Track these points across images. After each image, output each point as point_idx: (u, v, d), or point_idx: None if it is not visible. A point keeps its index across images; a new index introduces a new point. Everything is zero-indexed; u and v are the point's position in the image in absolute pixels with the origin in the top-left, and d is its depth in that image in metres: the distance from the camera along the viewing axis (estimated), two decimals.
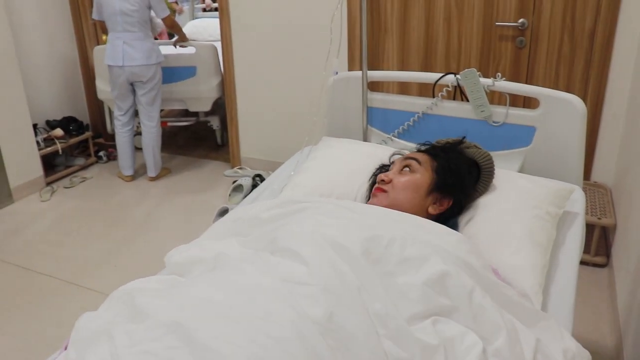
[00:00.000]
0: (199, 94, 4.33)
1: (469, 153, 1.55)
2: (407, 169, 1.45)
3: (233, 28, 3.74)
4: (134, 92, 3.89)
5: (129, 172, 4.08)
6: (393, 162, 1.54)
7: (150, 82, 3.81)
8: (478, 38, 3.09)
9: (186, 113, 4.83)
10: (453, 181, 1.44)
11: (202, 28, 5.92)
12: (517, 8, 2.95)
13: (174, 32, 4.12)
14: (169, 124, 4.77)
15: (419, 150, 1.58)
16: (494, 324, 1.04)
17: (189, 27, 6.06)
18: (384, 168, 1.61)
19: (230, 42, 3.79)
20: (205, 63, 4.28)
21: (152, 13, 3.78)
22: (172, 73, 4.22)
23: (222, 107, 4.69)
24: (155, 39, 4.30)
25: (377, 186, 1.45)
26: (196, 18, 6.57)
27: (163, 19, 3.83)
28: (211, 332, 0.89)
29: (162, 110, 4.98)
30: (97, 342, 0.97)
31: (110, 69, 3.74)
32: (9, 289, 2.72)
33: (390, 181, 1.43)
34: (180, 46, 4.22)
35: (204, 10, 6.96)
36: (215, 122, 4.72)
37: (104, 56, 3.77)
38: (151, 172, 4.08)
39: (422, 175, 1.43)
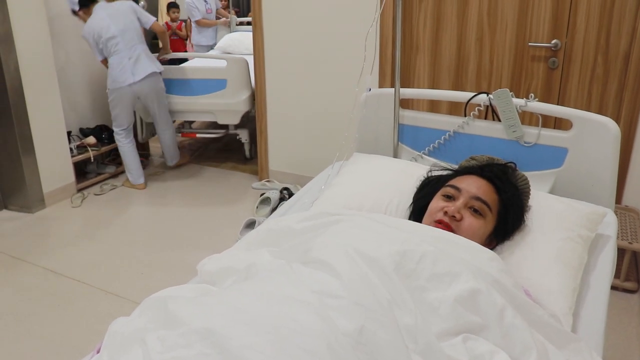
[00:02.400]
0: (229, 107, 4.38)
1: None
2: (478, 212, 1.38)
3: (266, 41, 3.79)
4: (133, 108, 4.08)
5: (141, 180, 4.15)
6: (460, 188, 1.43)
7: (159, 94, 4.07)
8: (510, 58, 3.09)
9: (216, 125, 4.88)
10: (513, 229, 1.46)
11: (238, 41, 5.96)
12: (550, 29, 2.94)
13: (161, 38, 4.22)
14: (198, 135, 4.86)
15: (480, 173, 1.49)
16: (525, 344, 1.04)
17: (225, 40, 6.12)
18: (435, 182, 1.57)
19: (262, 56, 3.84)
20: (236, 76, 4.33)
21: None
22: (202, 85, 4.31)
23: (251, 120, 4.75)
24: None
25: (445, 221, 1.36)
26: (234, 31, 6.66)
27: (152, 27, 3.95)
28: (242, 340, 0.90)
29: (193, 122, 5.10)
30: (129, 347, 0.98)
31: (118, 92, 3.86)
32: (38, 292, 2.77)
33: (461, 219, 1.36)
34: (162, 59, 4.34)
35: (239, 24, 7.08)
36: (244, 136, 4.75)
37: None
38: (171, 162, 4.51)
39: (489, 223, 1.39)
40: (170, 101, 4.35)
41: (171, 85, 4.35)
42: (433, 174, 1.62)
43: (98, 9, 3.76)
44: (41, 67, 3.66)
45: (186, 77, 4.38)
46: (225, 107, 4.39)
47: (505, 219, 1.42)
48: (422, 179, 1.63)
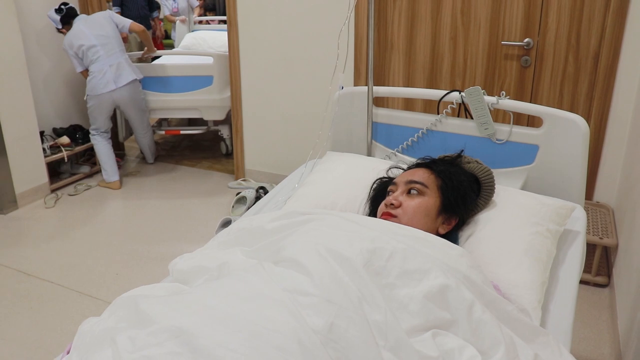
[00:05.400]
0: (215, 103, 4.45)
1: (469, 168, 1.57)
2: (415, 191, 1.43)
3: (241, 40, 3.78)
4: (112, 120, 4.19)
5: (115, 177, 4.13)
6: (395, 182, 1.51)
7: (139, 102, 4.13)
8: (483, 56, 3.12)
9: (192, 122, 4.94)
10: (457, 199, 1.45)
11: (202, 39, 5.99)
12: (522, 28, 2.98)
13: (143, 38, 4.23)
14: (182, 132, 4.91)
15: (418, 165, 1.58)
16: (493, 339, 1.05)
17: (188, 39, 6.13)
18: (382, 183, 1.63)
19: (237, 55, 3.83)
20: (222, 73, 4.39)
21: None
22: (188, 82, 4.37)
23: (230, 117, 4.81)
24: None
25: (387, 211, 1.42)
26: (193, 30, 6.66)
27: (130, 29, 3.99)
28: (213, 339, 0.90)
29: (167, 119, 5.10)
30: (100, 347, 0.98)
31: (99, 99, 3.90)
32: (11, 294, 2.74)
33: (400, 205, 1.41)
34: (149, 58, 4.43)
35: (199, 22, 7.07)
36: (225, 131, 4.81)
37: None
38: (150, 159, 4.64)
39: (430, 198, 1.42)
40: (156, 99, 4.39)
41: (157, 83, 4.37)
42: (386, 176, 1.68)
43: (77, 22, 3.85)
44: (12, 66, 3.61)
45: (172, 74, 4.41)
46: (211, 103, 4.46)
47: (446, 190, 1.45)
48: (374, 183, 1.67)
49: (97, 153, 4.12)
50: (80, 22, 3.85)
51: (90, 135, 4.10)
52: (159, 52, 4.66)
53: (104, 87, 3.84)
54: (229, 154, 4.87)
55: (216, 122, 4.78)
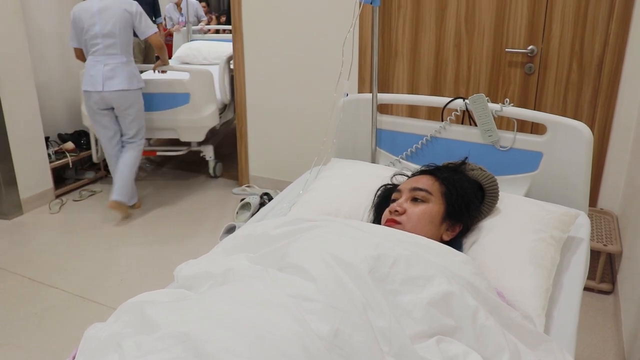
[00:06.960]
0: (192, 123, 4.05)
1: (473, 175, 1.57)
2: (419, 198, 1.44)
3: (246, 47, 3.80)
4: (116, 117, 3.67)
5: (116, 196, 3.59)
6: (399, 189, 1.52)
7: (132, 108, 3.60)
8: (487, 64, 3.13)
9: (177, 142, 4.38)
10: (461, 206, 1.45)
11: (197, 51, 5.62)
12: (526, 35, 2.99)
13: (159, 53, 3.81)
14: (159, 153, 4.46)
15: (422, 172, 1.59)
16: (497, 345, 1.06)
17: (183, 49, 5.81)
18: (387, 190, 1.63)
19: (242, 61, 3.84)
20: (200, 90, 4.00)
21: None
22: (163, 100, 3.98)
23: (216, 135, 4.50)
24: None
25: (391, 218, 1.43)
26: (192, 40, 6.50)
27: (149, 39, 3.61)
28: (219, 344, 0.91)
29: (150, 139, 4.70)
30: (106, 352, 0.98)
31: (89, 95, 3.49)
32: (16, 300, 2.74)
33: (404, 212, 1.42)
34: (161, 71, 3.95)
35: (202, 31, 7.04)
36: (208, 153, 4.40)
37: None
38: (119, 197, 3.61)
39: (434, 204, 1.43)
40: None
41: None
42: (390, 183, 1.68)
43: None
44: (18, 72, 3.63)
45: (145, 90, 3.79)
46: (188, 124, 4.05)
47: (450, 197, 1.46)
48: (378, 190, 1.68)
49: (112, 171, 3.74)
50: (97, 1, 3.41)
51: None
52: (168, 67, 4.00)
53: (92, 86, 3.44)
54: (215, 177, 4.52)
55: (199, 142, 4.33)
